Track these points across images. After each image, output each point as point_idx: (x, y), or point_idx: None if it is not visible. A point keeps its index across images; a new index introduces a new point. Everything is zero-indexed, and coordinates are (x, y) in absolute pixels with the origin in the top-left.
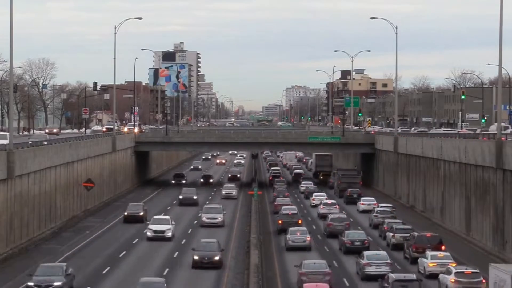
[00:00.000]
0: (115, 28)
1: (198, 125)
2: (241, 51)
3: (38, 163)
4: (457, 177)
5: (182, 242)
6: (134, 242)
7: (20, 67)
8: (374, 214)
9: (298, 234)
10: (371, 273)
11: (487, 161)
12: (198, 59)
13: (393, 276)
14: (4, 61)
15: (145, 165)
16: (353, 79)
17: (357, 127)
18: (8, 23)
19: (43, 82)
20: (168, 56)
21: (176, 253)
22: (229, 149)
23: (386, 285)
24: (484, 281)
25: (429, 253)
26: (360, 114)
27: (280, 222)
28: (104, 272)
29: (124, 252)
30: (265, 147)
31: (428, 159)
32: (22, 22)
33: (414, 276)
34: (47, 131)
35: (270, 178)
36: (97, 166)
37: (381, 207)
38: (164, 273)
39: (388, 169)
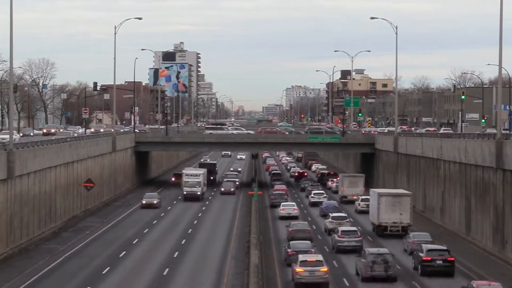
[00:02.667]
0: (115, 28)
1: (198, 125)
2: (241, 51)
3: (38, 163)
4: (457, 177)
5: (182, 242)
6: (134, 243)
7: (20, 67)
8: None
9: None
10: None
11: (487, 161)
12: (198, 59)
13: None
14: (4, 61)
15: (145, 165)
16: (353, 79)
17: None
18: (14, 22)
19: (43, 82)
20: (168, 56)
21: (176, 253)
22: (229, 149)
23: (363, 260)
24: None
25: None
26: (360, 114)
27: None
28: (104, 272)
29: (124, 252)
30: (265, 147)
31: (428, 159)
32: (30, 21)
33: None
34: (44, 131)
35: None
36: (97, 166)
37: (323, 167)
38: (164, 273)
39: (388, 169)
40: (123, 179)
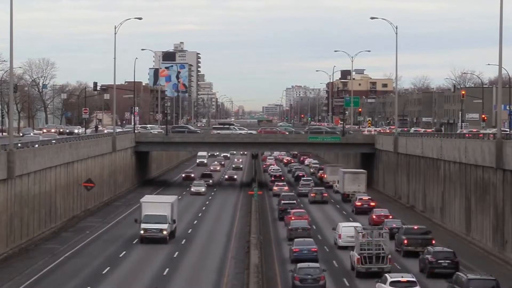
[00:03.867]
0: (115, 28)
1: (199, 125)
2: (241, 51)
3: (38, 163)
4: (457, 177)
5: (182, 242)
6: (134, 242)
7: (20, 67)
8: (307, 164)
9: None
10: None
11: (487, 161)
12: (198, 59)
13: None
14: (4, 61)
15: (145, 165)
16: (353, 79)
17: (358, 127)
18: (21, 22)
19: (43, 82)
20: (168, 56)
21: (176, 253)
22: (229, 149)
23: (310, 194)
24: None
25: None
26: (359, 116)
27: None
28: (104, 272)
29: (124, 252)
30: (265, 147)
31: (428, 159)
32: (31, 21)
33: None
34: (44, 131)
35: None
36: (97, 166)
37: (314, 161)
38: (164, 273)
39: (388, 169)
40: (123, 179)
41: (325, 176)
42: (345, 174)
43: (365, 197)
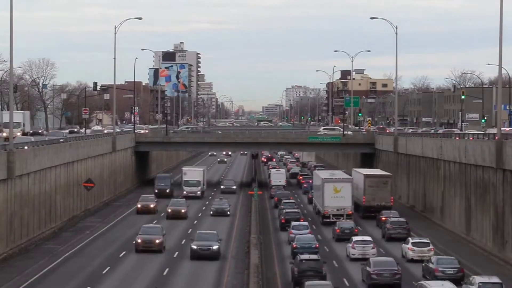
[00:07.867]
0: (115, 28)
1: (201, 124)
2: (241, 51)
3: (38, 163)
4: (457, 177)
5: (182, 242)
6: (134, 243)
7: (20, 67)
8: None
9: None
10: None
11: (487, 161)
12: (198, 59)
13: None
14: (4, 61)
15: (145, 165)
16: (353, 79)
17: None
18: (23, 21)
19: (43, 82)
20: (168, 56)
21: (176, 253)
22: (229, 149)
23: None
24: None
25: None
26: (360, 114)
27: None
28: (104, 272)
29: (124, 252)
30: (265, 147)
31: (428, 159)
32: (35, 20)
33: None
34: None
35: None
36: (97, 166)
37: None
38: (164, 273)
39: (388, 169)
40: (123, 179)
41: (296, 155)
42: (303, 153)
43: (315, 164)
